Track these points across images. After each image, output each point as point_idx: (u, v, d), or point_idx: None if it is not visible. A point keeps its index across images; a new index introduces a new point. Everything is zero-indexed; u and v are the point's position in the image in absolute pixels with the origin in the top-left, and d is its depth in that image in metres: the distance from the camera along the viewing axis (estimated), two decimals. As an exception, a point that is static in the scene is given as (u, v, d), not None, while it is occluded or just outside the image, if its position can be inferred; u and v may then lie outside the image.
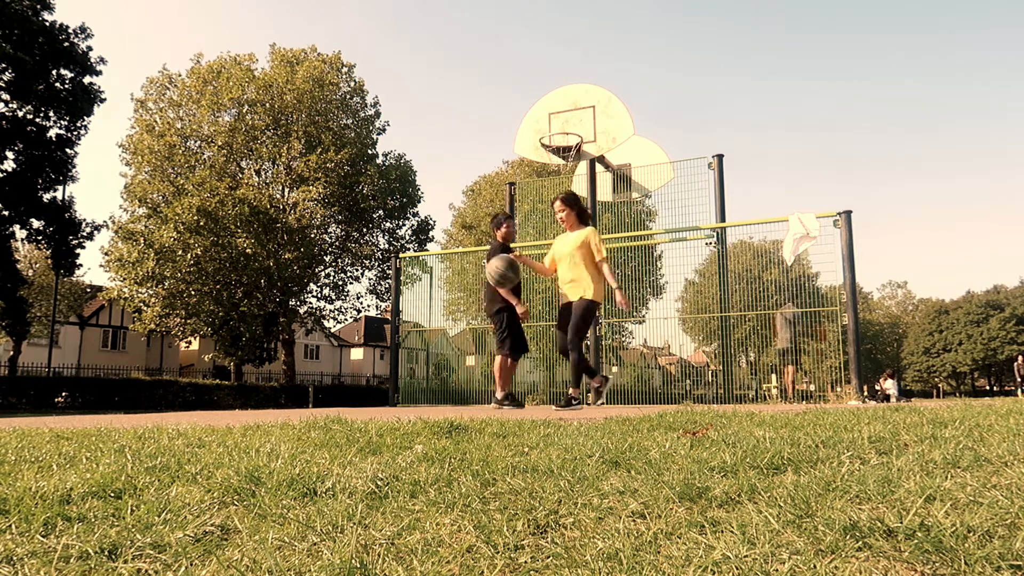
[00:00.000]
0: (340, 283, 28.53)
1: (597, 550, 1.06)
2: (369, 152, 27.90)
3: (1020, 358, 23.95)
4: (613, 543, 1.08)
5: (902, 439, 2.08)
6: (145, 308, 24.65)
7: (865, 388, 9.03)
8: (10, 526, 1.21)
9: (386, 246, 28.70)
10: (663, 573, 0.97)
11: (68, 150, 23.78)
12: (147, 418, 4.98)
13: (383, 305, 29.38)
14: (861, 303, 62.98)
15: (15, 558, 1.05)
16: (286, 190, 26.26)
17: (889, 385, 20.94)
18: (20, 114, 22.77)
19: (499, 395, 6.40)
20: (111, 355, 39.60)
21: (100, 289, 32.76)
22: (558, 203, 6.10)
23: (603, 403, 6.10)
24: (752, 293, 10.61)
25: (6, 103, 22.58)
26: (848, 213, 8.35)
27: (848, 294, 8.27)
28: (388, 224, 28.76)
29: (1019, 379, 23.26)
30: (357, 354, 51.29)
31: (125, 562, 1.04)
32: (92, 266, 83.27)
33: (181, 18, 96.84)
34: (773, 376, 11.96)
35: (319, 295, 28.53)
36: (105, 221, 26.12)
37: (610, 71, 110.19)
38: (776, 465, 1.70)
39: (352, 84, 27.84)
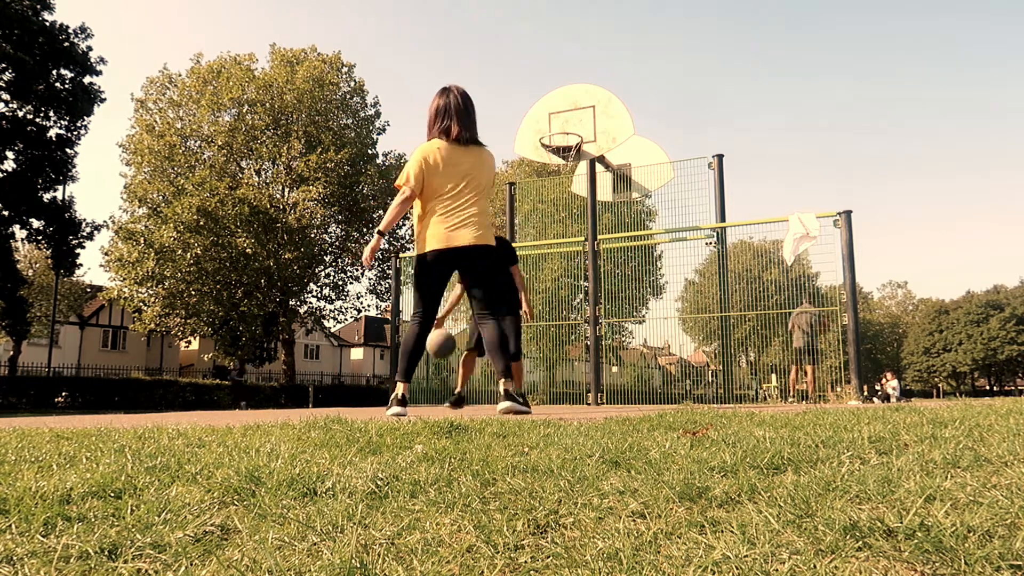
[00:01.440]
0: (340, 283, 28.56)
1: (597, 550, 1.06)
2: (369, 152, 27.93)
3: None
4: (613, 543, 1.08)
5: (902, 439, 2.09)
6: (145, 308, 24.67)
7: (865, 388, 9.03)
8: (10, 526, 1.21)
9: (386, 246, 28.71)
10: (663, 573, 0.97)
11: (68, 150, 23.80)
12: (147, 418, 4.98)
13: (383, 305, 29.40)
14: (861, 303, 63.00)
15: (15, 558, 1.05)
16: (286, 190, 26.26)
17: (893, 385, 21.01)
18: (20, 114, 22.79)
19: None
20: (111, 355, 39.60)
21: (100, 289, 32.78)
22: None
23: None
24: (752, 293, 10.62)
25: (6, 103, 22.60)
26: (848, 213, 8.36)
27: (848, 294, 8.27)
28: (388, 224, 28.75)
29: None
30: (357, 354, 51.30)
31: (125, 562, 1.04)
32: (92, 266, 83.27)
33: (181, 18, 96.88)
34: (773, 376, 11.96)
35: (319, 295, 28.56)
36: (105, 221, 26.19)
37: (610, 71, 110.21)
38: (776, 465, 1.70)
39: (352, 84, 27.87)
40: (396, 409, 4.21)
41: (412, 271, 4.41)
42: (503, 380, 4.26)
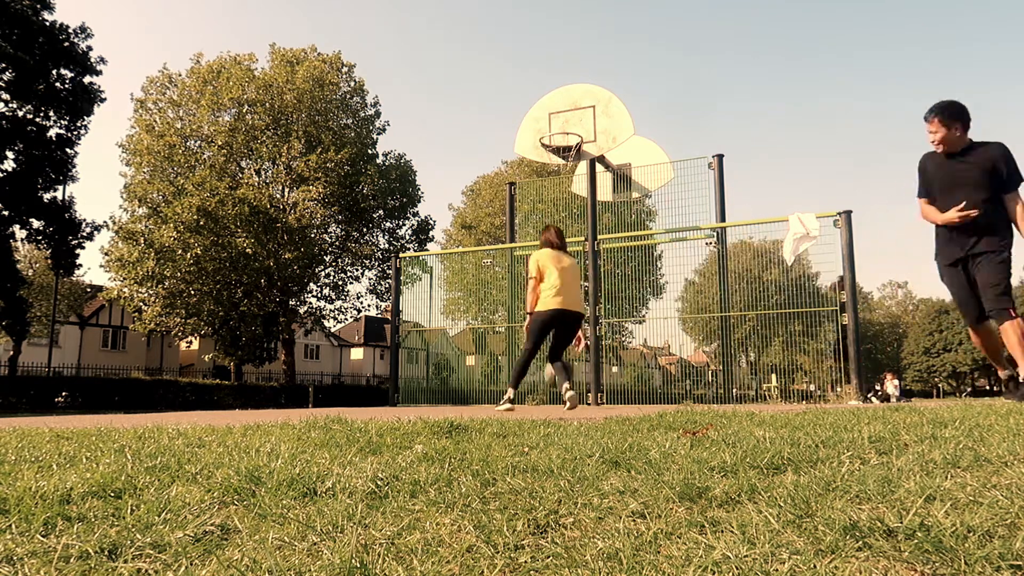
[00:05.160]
0: (340, 283, 28.54)
1: (597, 550, 1.05)
2: (369, 152, 27.89)
3: (887, 374, 23.77)
4: (613, 543, 1.08)
5: (902, 439, 2.08)
6: (145, 308, 24.65)
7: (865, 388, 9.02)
8: (10, 526, 1.21)
9: (386, 246, 28.70)
10: (663, 573, 0.97)
11: (68, 150, 23.77)
12: (147, 418, 4.98)
13: (383, 305, 29.39)
14: (861, 303, 62.88)
15: (15, 558, 1.05)
16: (286, 190, 26.25)
17: (894, 384, 21.02)
18: (20, 114, 22.76)
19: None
20: (111, 355, 39.59)
21: (100, 289, 32.76)
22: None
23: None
24: (752, 293, 10.61)
25: (6, 103, 22.58)
26: (848, 213, 8.35)
27: (848, 294, 8.27)
28: (388, 224, 28.76)
29: (876, 391, 21.33)
30: (357, 354, 51.28)
31: (125, 562, 1.04)
32: (92, 266, 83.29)
33: (181, 18, 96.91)
34: (773, 376, 11.96)
35: (319, 295, 28.54)
36: (105, 221, 26.14)
37: (610, 71, 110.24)
38: (776, 465, 1.70)
39: (352, 84, 27.84)
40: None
41: None
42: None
